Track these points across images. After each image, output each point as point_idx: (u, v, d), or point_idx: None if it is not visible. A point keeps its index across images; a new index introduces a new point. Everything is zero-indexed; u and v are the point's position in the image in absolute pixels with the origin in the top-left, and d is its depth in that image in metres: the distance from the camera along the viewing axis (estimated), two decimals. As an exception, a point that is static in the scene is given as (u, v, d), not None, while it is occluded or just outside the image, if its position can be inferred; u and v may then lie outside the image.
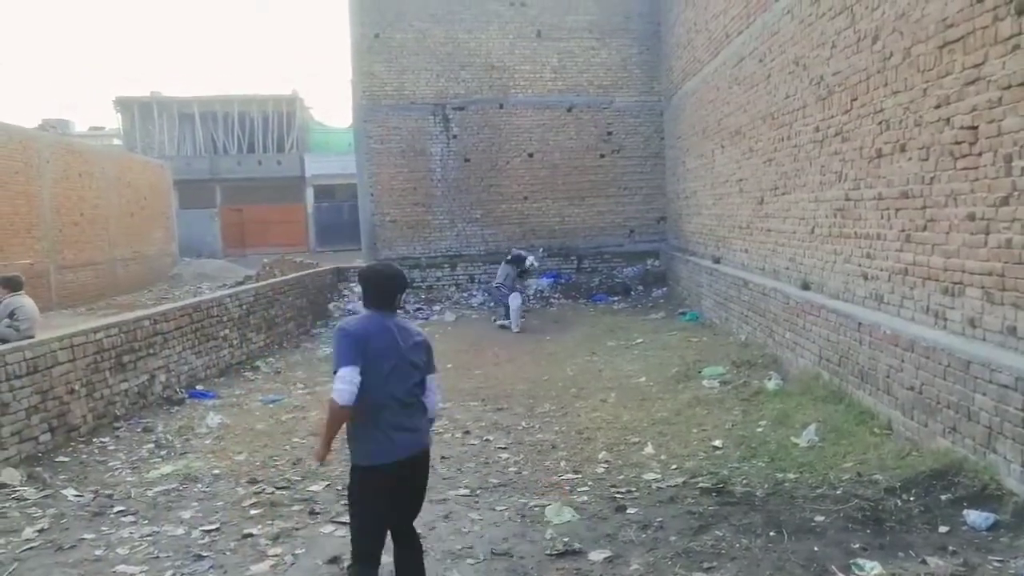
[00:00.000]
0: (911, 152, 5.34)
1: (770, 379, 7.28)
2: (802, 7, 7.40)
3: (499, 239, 16.13)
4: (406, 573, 3.35)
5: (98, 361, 6.99)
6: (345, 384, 3.06)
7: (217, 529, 4.56)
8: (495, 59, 16.06)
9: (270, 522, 4.63)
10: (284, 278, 13.56)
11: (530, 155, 16.30)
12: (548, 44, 16.11)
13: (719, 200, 11.36)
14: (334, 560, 4.06)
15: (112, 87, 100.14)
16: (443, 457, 5.78)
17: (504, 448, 6.13)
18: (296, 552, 4.20)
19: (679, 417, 6.58)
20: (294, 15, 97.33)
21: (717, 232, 11.61)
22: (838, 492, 4.45)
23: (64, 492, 5.28)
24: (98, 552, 4.28)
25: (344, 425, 3.21)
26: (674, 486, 4.89)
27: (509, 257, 13.31)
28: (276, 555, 4.16)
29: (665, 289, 15.38)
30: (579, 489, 5.00)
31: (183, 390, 8.30)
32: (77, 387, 6.64)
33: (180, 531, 4.55)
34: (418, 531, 3.48)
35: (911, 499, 4.24)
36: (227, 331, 9.83)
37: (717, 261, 11.44)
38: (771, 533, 4.00)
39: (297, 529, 4.53)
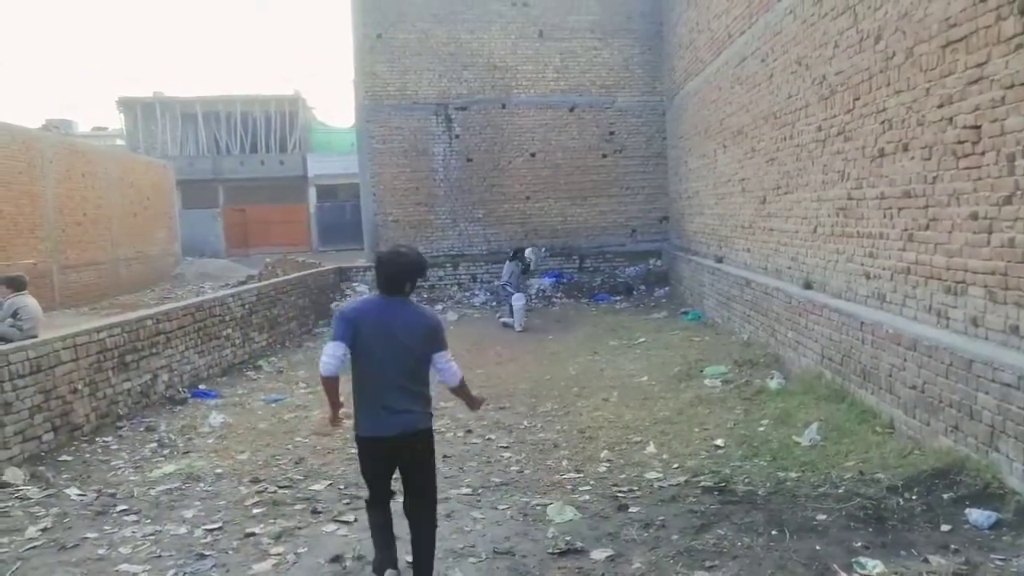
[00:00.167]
0: (914, 151, 5.34)
1: (772, 378, 7.28)
2: (804, 7, 7.39)
3: (501, 239, 16.14)
4: (415, 548, 3.56)
5: (101, 360, 7.01)
6: (327, 357, 3.38)
7: (219, 528, 4.56)
8: (497, 59, 16.06)
9: (272, 521, 4.64)
10: (286, 278, 13.57)
11: (532, 155, 16.31)
12: (550, 44, 16.12)
13: (721, 200, 11.36)
14: (336, 559, 4.06)
15: (115, 87, 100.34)
16: (445, 456, 5.78)
17: (506, 447, 6.14)
18: (298, 551, 4.20)
19: (681, 416, 6.58)
20: (296, 15, 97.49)
21: (719, 232, 11.60)
22: (840, 491, 4.45)
23: (67, 491, 5.29)
24: (101, 551, 4.28)
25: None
26: (676, 485, 4.89)
27: (512, 254, 13.34)
28: (278, 554, 4.17)
29: (667, 289, 15.37)
30: (581, 488, 5.01)
31: (186, 389, 8.31)
32: (80, 386, 6.66)
33: (183, 530, 4.56)
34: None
35: (913, 498, 4.23)
36: (230, 330, 9.85)
37: (719, 260, 11.43)
38: (773, 532, 4.00)
39: (299, 528, 4.53)
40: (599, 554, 3.95)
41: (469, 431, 6.63)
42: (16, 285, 7.99)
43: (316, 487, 5.28)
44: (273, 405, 7.86)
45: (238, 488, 5.30)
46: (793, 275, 8.02)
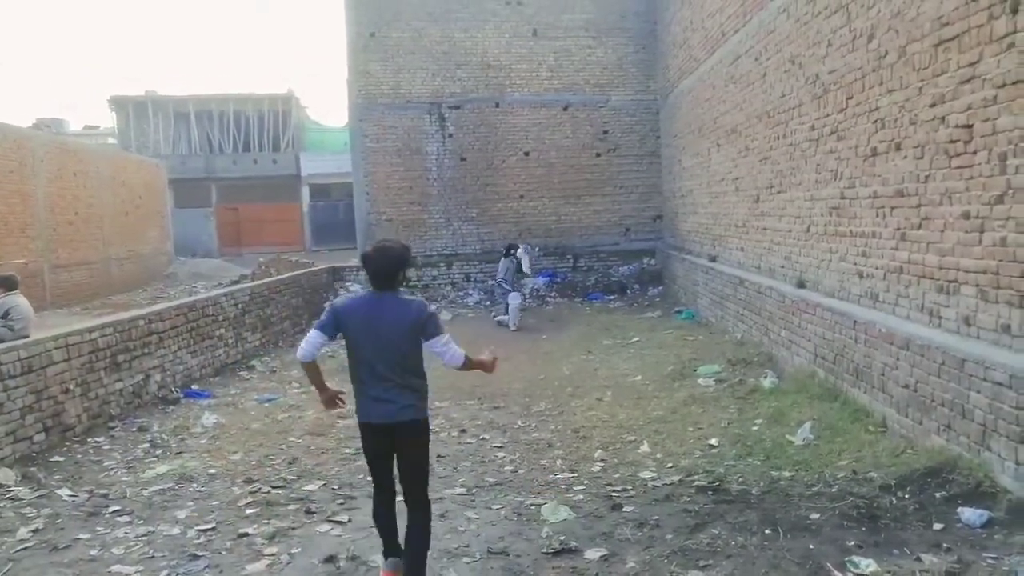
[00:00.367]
0: (906, 150, 5.35)
1: (766, 377, 7.30)
2: (798, 6, 7.40)
3: (495, 238, 16.12)
4: (406, 539, 3.61)
5: (93, 361, 6.97)
6: (305, 343, 3.58)
7: (213, 528, 4.55)
8: (491, 58, 16.05)
9: (266, 521, 4.62)
10: (280, 277, 13.55)
11: (526, 154, 16.31)
12: (544, 43, 16.11)
13: (715, 199, 11.37)
14: (330, 559, 4.05)
15: (107, 86, 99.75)
16: (439, 456, 5.77)
17: (500, 447, 6.13)
18: (292, 551, 4.19)
19: (675, 415, 6.59)
20: (290, 14, 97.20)
21: (713, 231, 11.62)
22: (833, 490, 4.46)
23: (59, 492, 5.26)
24: (93, 552, 4.26)
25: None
26: (670, 484, 4.90)
27: (506, 251, 13.32)
28: (272, 554, 4.15)
29: (661, 288, 15.40)
30: (575, 488, 5.00)
31: (178, 390, 8.28)
32: (72, 387, 6.62)
33: (176, 531, 4.54)
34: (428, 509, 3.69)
35: (906, 497, 4.25)
36: (222, 330, 9.81)
37: (713, 259, 11.45)
38: (767, 531, 4.01)
39: (293, 528, 4.52)
40: (593, 554, 3.95)
41: (463, 431, 6.62)
42: (7, 285, 7.94)
43: (310, 487, 5.27)
44: (266, 405, 7.84)
45: (231, 488, 5.28)
46: (786, 274, 8.04)
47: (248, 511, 4.83)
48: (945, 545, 3.70)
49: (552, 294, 15.57)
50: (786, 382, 7.09)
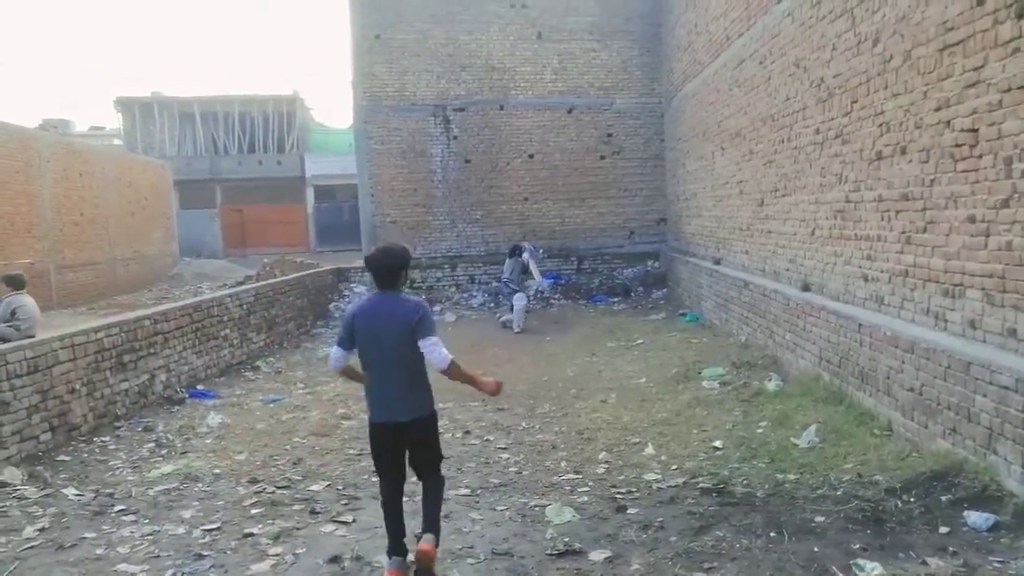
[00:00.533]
0: (911, 154, 5.35)
1: (770, 380, 7.29)
2: (803, 9, 7.41)
3: (499, 240, 16.12)
4: (424, 499, 3.88)
5: (99, 360, 7.00)
6: (331, 358, 3.91)
7: (218, 528, 4.56)
8: (495, 60, 16.07)
9: (271, 521, 4.64)
10: (284, 278, 13.57)
11: (530, 156, 16.32)
12: (548, 45, 16.12)
13: (719, 202, 11.37)
14: (335, 559, 4.05)
15: (113, 87, 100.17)
16: (444, 457, 5.77)
17: (504, 448, 6.14)
18: (297, 551, 4.20)
19: (679, 418, 6.59)
20: (294, 15, 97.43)
21: (717, 234, 11.62)
22: (838, 493, 4.46)
23: (65, 491, 5.29)
24: (99, 551, 4.28)
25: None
26: (674, 486, 4.90)
27: (511, 251, 13.30)
28: (277, 554, 4.16)
29: (665, 290, 15.39)
30: (579, 489, 5.01)
31: (183, 390, 8.30)
32: (78, 386, 6.65)
33: (181, 530, 4.55)
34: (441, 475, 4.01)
35: (911, 500, 4.24)
36: (227, 331, 9.84)
37: (717, 262, 11.45)
38: (771, 534, 4.01)
39: (298, 528, 4.53)
40: (597, 555, 3.95)
41: (467, 432, 6.63)
42: (15, 284, 7.98)
43: (314, 488, 5.28)
44: (271, 406, 7.85)
45: (236, 488, 5.29)
46: (791, 277, 8.04)
47: (253, 511, 4.84)
48: (951, 549, 3.70)
49: (556, 296, 15.57)
50: (791, 385, 7.08)
